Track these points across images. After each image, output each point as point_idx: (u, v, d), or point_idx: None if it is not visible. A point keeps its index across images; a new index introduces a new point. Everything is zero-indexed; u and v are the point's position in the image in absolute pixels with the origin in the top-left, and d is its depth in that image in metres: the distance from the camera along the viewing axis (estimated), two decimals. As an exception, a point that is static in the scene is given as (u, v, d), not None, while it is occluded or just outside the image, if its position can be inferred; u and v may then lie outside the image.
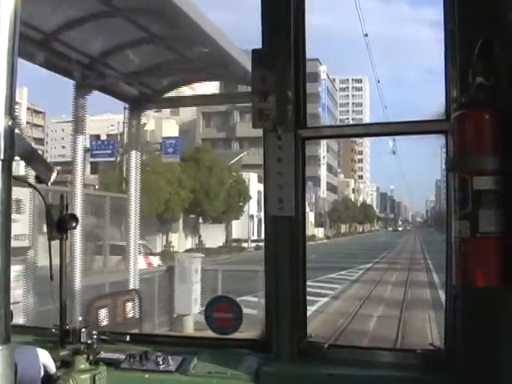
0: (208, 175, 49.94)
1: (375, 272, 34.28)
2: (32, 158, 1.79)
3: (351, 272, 33.50)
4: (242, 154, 68.88)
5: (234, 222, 57.94)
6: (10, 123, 1.41)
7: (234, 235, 58.66)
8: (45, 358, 2.54)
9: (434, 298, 20.94)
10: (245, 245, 56.67)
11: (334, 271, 31.34)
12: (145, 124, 55.51)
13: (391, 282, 28.99)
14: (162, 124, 61.22)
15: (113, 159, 47.96)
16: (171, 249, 46.06)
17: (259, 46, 3.20)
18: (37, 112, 71.34)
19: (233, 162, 60.97)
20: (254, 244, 56.53)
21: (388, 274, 32.52)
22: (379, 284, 27.70)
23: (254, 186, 60.65)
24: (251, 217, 58.07)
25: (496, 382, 2.55)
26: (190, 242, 51.58)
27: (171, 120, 67.46)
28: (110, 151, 48.57)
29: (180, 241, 50.14)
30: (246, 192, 55.62)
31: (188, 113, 78.32)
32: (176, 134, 59.93)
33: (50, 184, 1.95)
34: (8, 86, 1.41)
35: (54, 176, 1.91)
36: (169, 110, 77.36)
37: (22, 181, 2.46)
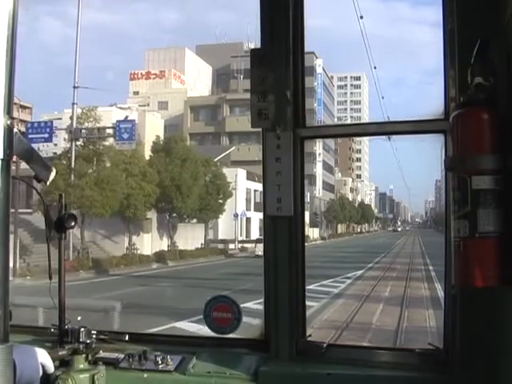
0: (180, 168, 46.26)
1: (365, 282, 29.36)
2: (31, 157, 1.80)
3: (336, 282, 28.70)
4: (231, 150, 68.23)
5: (220, 221, 55.66)
6: (8, 122, 1.43)
7: (221, 235, 56.38)
8: (43, 358, 2.55)
9: (440, 326, 14.77)
10: (231, 246, 54.53)
11: (316, 280, 25.62)
12: (126, 117, 53.20)
13: (383, 297, 23.86)
14: (146, 117, 58.18)
15: (51, 143, 43.45)
16: (135, 251, 42.88)
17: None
18: (23, 107, 70.11)
19: (220, 157, 59.47)
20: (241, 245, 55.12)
21: (381, 286, 27.61)
22: (367, 301, 22.62)
23: (243, 182, 59.04)
24: (235, 215, 55.90)
25: (495, 383, 2.56)
26: (165, 244, 47.85)
27: (156, 113, 65.76)
28: (47, 135, 42.74)
29: (154, 242, 47.16)
30: (226, 188, 52.01)
31: (176, 106, 77.49)
32: (161, 128, 57.31)
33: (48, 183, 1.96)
34: (7, 86, 1.43)
35: (52, 175, 1.93)
36: (156, 103, 76.65)
37: (21, 180, 2.48)
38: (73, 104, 42.22)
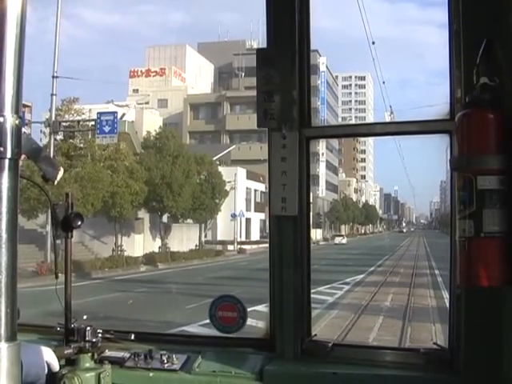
0: (171, 165, 44.99)
1: (365, 289, 27.44)
2: (39, 156, 1.82)
3: (333, 289, 26.53)
4: (231, 148, 67.89)
5: (219, 222, 55.08)
6: (17, 122, 1.45)
7: (220, 236, 55.81)
8: (49, 356, 2.57)
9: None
10: (230, 247, 53.65)
11: (311, 286, 22.07)
12: (123, 115, 51.33)
13: (383, 308, 21.78)
14: (143, 115, 58.02)
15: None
16: (121, 253, 41.20)
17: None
18: (23, 106, 69.68)
19: (219, 156, 58.89)
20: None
21: (381, 293, 25.52)
22: (365, 312, 20.64)
23: (243, 182, 58.64)
24: (233, 216, 55.23)
25: (500, 382, 2.58)
26: (158, 245, 46.64)
27: (154, 111, 65.15)
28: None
29: (146, 243, 45.88)
30: (222, 187, 50.75)
31: (176, 104, 77.02)
32: (160, 126, 54.90)
33: (56, 183, 1.99)
34: (15, 86, 1.45)
35: (60, 174, 1.95)
36: (156, 100, 76.10)
37: (28, 179, 2.51)
38: (51, 95, 39.83)
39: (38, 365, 2.48)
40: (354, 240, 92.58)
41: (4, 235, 1.43)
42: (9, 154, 1.44)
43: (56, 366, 2.64)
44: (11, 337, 1.42)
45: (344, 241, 78.26)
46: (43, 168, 1.84)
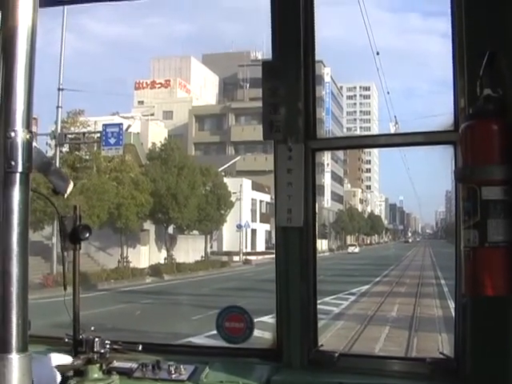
0: (177, 176, 44.76)
1: (371, 299, 26.91)
2: (49, 170, 1.84)
3: (339, 299, 25.88)
4: (236, 159, 67.71)
5: (224, 233, 54.80)
6: (27, 136, 1.47)
7: (225, 247, 55.45)
8: (58, 361, 2.59)
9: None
10: (236, 258, 53.30)
11: (318, 297, 21.52)
12: (129, 126, 51.01)
13: (389, 318, 21.42)
14: (149, 127, 58.05)
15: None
16: (126, 264, 40.90)
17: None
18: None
19: (225, 167, 58.64)
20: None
21: (387, 304, 25.01)
22: (371, 322, 20.30)
23: (248, 193, 58.30)
24: (239, 227, 54.84)
25: None
26: (164, 256, 46.16)
27: (159, 122, 65.01)
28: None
29: (152, 254, 45.59)
30: (227, 198, 50.40)
31: (181, 116, 76.98)
32: (165, 137, 54.63)
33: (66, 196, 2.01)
34: (26, 101, 1.47)
35: (70, 188, 1.97)
36: (161, 112, 76.16)
37: (39, 193, 2.53)
38: (57, 107, 39.55)
39: (48, 376, 2.50)
40: (360, 250, 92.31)
41: (15, 248, 1.45)
42: (20, 168, 1.46)
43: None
44: (22, 348, 1.44)
45: (356, 250, 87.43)
46: (53, 181, 1.86)
